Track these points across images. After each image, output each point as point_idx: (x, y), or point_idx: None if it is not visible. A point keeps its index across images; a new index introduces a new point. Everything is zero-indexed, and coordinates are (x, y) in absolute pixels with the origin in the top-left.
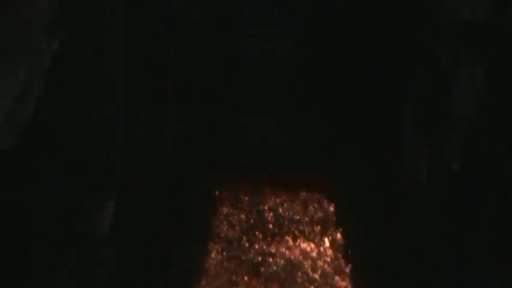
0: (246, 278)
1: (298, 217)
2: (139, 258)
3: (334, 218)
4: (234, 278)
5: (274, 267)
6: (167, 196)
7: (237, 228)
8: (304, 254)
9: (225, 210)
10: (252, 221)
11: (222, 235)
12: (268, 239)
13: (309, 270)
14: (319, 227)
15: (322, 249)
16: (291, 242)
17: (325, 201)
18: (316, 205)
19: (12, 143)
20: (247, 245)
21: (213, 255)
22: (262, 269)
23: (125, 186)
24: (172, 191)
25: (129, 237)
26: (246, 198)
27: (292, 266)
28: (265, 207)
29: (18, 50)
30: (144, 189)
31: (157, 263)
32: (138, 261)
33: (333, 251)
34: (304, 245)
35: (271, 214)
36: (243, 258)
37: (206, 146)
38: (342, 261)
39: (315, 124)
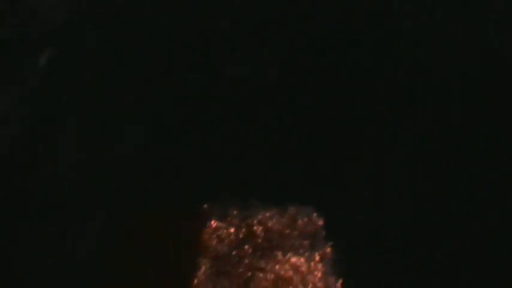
0: None
1: (288, 231)
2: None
3: (324, 233)
4: None
5: (264, 283)
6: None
7: (226, 242)
8: (294, 268)
9: (214, 224)
10: (241, 235)
11: (211, 249)
12: (258, 253)
13: (299, 285)
14: (308, 241)
15: (312, 264)
16: (280, 257)
17: (314, 215)
18: (305, 219)
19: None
20: (236, 259)
21: (202, 270)
22: (252, 284)
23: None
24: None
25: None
26: (235, 212)
27: (282, 281)
28: (255, 221)
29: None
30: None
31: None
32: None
33: (323, 265)
34: (293, 260)
35: (260, 228)
36: (232, 273)
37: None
38: (332, 275)
39: None
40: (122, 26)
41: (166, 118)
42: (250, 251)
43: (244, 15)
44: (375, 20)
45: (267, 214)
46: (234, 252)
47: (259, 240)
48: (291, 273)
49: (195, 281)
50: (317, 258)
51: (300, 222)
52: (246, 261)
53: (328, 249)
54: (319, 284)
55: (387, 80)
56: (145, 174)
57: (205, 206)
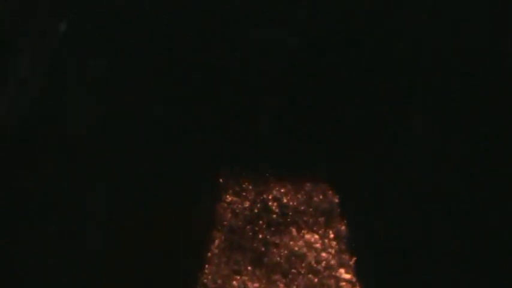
0: (249, 268)
1: (302, 208)
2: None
3: (339, 210)
4: (236, 267)
5: (278, 258)
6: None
7: (241, 217)
8: (308, 245)
9: (229, 198)
10: (256, 210)
11: (226, 223)
12: (272, 228)
13: (313, 261)
14: (323, 218)
15: (326, 240)
16: (295, 233)
17: (330, 192)
18: (321, 196)
19: (15, 125)
20: (250, 234)
21: (216, 243)
22: (266, 259)
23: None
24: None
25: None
26: (250, 187)
27: (295, 257)
28: (270, 197)
29: (23, 32)
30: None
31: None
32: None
33: (338, 242)
34: (308, 236)
35: (275, 204)
36: (246, 247)
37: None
38: (347, 253)
39: None
40: (122, 26)
41: (166, 118)
42: (264, 226)
43: (244, 15)
44: (375, 20)
45: (283, 190)
46: (248, 227)
47: (274, 216)
48: (304, 249)
49: (209, 254)
50: (331, 235)
51: (315, 199)
52: (260, 236)
53: (343, 227)
54: (332, 261)
55: (387, 80)
56: (146, 174)
57: (220, 180)
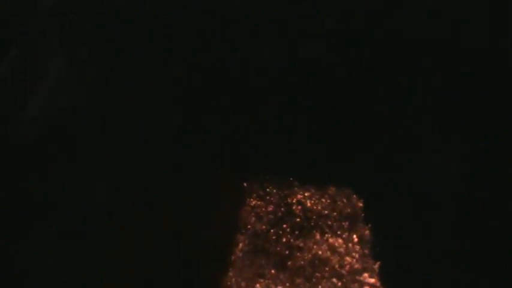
0: (272, 271)
1: (326, 212)
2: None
3: (363, 214)
4: (260, 270)
5: (302, 262)
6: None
7: (265, 220)
8: (332, 249)
9: (252, 202)
10: (279, 214)
11: (250, 227)
12: (296, 232)
13: (337, 265)
14: (347, 222)
15: (350, 245)
16: (318, 237)
17: (354, 196)
18: (344, 200)
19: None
20: (274, 237)
21: (240, 246)
22: (289, 263)
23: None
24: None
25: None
26: (274, 190)
27: (319, 261)
28: (294, 201)
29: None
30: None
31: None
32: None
33: (361, 247)
34: (332, 240)
35: (299, 207)
36: (270, 251)
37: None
38: (370, 258)
39: None
40: (122, 26)
41: (166, 118)
42: (288, 229)
43: (244, 15)
44: (375, 20)
45: (307, 194)
46: (272, 230)
47: (298, 220)
48: (328, 253)
49: (232, 258)
50: (355, 239)
51: (339, 203)
52: (284, 239)
53: (367, 231)
54: (356, 266)
55: (387, 80)
56: (146, 174)
57: (244, 184)
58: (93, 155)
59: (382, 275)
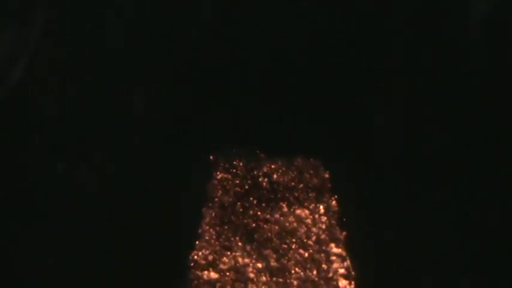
0: (239, 244)
1: (293, 183)
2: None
3: (330, 185)
4: (227, 243)
5: (269, 234)
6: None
7: (232, 193)
8: (299, 220)
9: (219, 175)
10: (246, 186)
11: (216, 200)
12: (263, 204)
13: (304, 236)
14: (314, 193)
15: (317, 216)
16: (285, 209)
17: (321, 168)
18: (311, 172)
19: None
20: (241, 210)
21: (206, 219)
22: (256, 235)
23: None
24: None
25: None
26: (241, 163)
27: (286, 233)
28: (260, 173)
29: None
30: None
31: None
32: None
33: (328, 218)
34: (298, 212)
35: (266, 180)
36: (237, 223)
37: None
38: (337, 228)
39: None
40: (122, 26)
41: (166, 118)
42: (255, 202)
43: (244, 15)
44: (375, 20)
45: (273, 166)
46: (239, 203)
47: (265, 192)
48: (295, 225)
49: (199, 230)
50: (322, 210)
51: (306, 174)
52: (251, 212)
53: (334, 202)
54: (323, 236)
55: (387, 80)
56: (146, 174)
57: (211, 157)
58: (93, 155)
59: (349, 245)
